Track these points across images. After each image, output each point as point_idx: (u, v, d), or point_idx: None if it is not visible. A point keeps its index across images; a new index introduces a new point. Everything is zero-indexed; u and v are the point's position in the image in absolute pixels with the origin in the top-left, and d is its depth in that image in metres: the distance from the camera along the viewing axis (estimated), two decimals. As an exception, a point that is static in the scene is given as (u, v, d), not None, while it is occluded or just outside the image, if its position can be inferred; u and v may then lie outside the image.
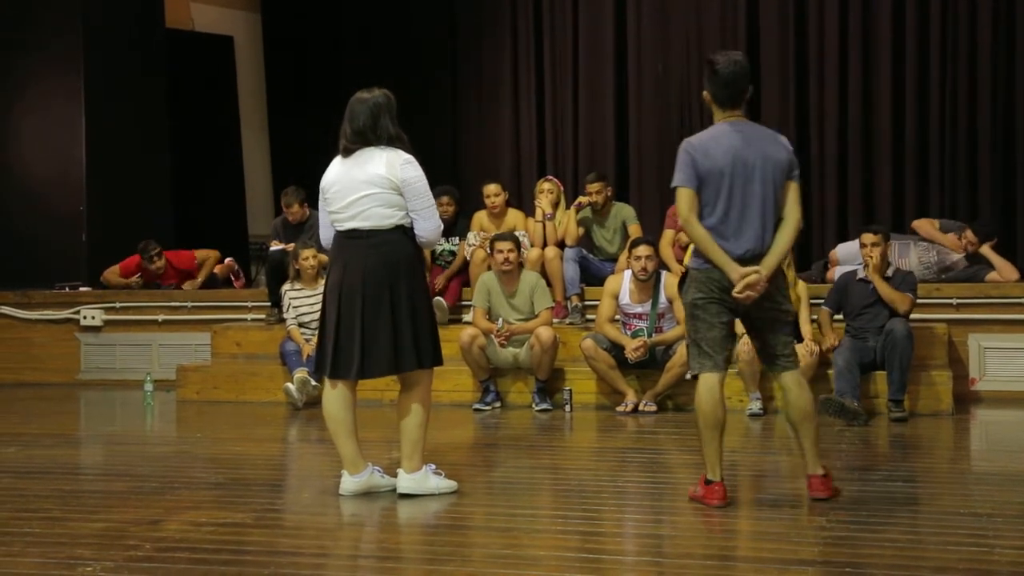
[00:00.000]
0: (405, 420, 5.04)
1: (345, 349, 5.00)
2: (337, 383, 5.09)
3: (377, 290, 4.95)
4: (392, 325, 4.95)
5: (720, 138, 4.81)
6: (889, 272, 7.46)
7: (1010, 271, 8.35)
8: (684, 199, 4.79)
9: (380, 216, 4.97)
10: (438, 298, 8.45)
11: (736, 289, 4.71)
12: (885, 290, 7.34)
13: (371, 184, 4.96)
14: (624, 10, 11.05)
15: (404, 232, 5.02)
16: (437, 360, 5.12)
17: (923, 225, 8.81)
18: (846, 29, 10.35)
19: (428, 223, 5.03)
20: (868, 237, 7.46)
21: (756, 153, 4.77)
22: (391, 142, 5.02)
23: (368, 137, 5.01)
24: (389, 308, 4.95)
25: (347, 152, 5.06)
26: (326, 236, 5.20)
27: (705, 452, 4.83)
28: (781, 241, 4.80)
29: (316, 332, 8.26)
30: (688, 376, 5.21)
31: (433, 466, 5.10)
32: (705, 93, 4.92)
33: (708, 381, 4.81)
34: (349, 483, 5.10)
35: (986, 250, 8.46)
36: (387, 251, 4.97)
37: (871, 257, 7.39)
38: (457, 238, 8.96)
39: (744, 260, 4.73)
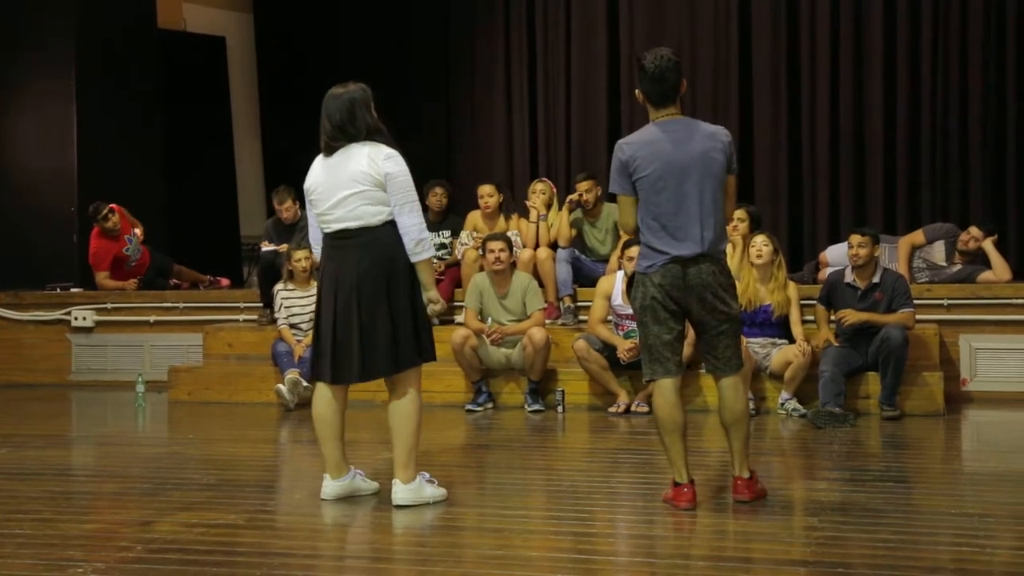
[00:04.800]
0: (399, 426, 4.91)
1: (344, 352, 4.88)
2: (329, 386, 5.01)
3: (374, 290, 4.83)
4: (391, 324, 4.83)
5: (649, 144, 4.74)
6: (877, 277, 7.44)
7: (1005, 271, 8.37)
8: (625, 207, 4.83)
9: (369, 214, 4.85)
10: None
11: None
12: (885, 320, 7.28)
13: (355, 182, 4.83)
14: (616, 12, 11.08)
15: (394, 227, 4.87)
16: (433, 355, 5.02)
17: (903, 248, 8.66)
18: (838, 33, 10.39)
19: (410, 218, 4.83)
20: (855, 238, 7.45)
21: (688, 155, 4.69)
22: (371, 135, 4.89)
23: (348, 131, 4.88)
24: (387, 307, 4.83)
25: (329, 150, 4.94)
26: (315, 237, 5.09)
27: (669, 456, 4.82)
28: None
29: (308, 333, 8.42)
30: (644, 381, 5.15)
31: (427, 475, 5.05)
32: (637, 92, 4.83)
33: (662, 387, 4.78)
34: (330, 487, 5.05)
35: (988, 245, 8.47)
36: (380, 248, 4.84)
37: (857, 257, 7.40)
38: (449, 232, 8.97)
39: (685, 261, 4.68)
